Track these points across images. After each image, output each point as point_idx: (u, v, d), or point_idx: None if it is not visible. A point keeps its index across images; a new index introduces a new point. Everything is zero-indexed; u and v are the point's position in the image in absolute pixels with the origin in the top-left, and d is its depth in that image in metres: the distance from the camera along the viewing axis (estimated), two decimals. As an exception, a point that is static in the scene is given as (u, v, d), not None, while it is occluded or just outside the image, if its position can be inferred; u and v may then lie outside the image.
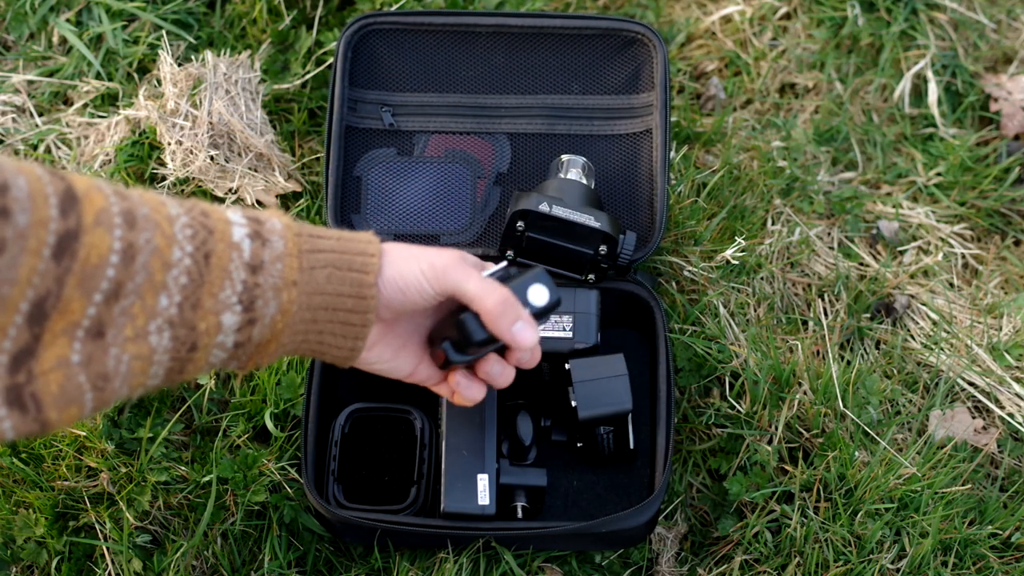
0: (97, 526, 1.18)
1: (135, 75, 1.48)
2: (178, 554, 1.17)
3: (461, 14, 1.35)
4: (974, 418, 1.32)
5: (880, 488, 1.20)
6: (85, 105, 1.46)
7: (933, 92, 1.57)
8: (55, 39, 1.51)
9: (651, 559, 1.23)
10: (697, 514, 1.27)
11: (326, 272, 0.88)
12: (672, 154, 1.45)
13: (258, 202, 1.38)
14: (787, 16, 1.63)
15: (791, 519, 1.20)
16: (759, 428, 1.26)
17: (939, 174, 1.52)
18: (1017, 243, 1.52)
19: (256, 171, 1.39)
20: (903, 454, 1.23)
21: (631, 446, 1.22)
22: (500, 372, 1.02)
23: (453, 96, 1.36)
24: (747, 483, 1.23)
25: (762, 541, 1.21)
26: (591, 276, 1.26)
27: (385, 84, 1.36)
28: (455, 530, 1.13)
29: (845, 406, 1.27)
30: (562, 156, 1.29)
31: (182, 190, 1.39)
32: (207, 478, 1.20)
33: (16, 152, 1.44)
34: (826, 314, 1.40)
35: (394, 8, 1.47)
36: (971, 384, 1.35)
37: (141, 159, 1.40)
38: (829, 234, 1.48)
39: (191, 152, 1.37)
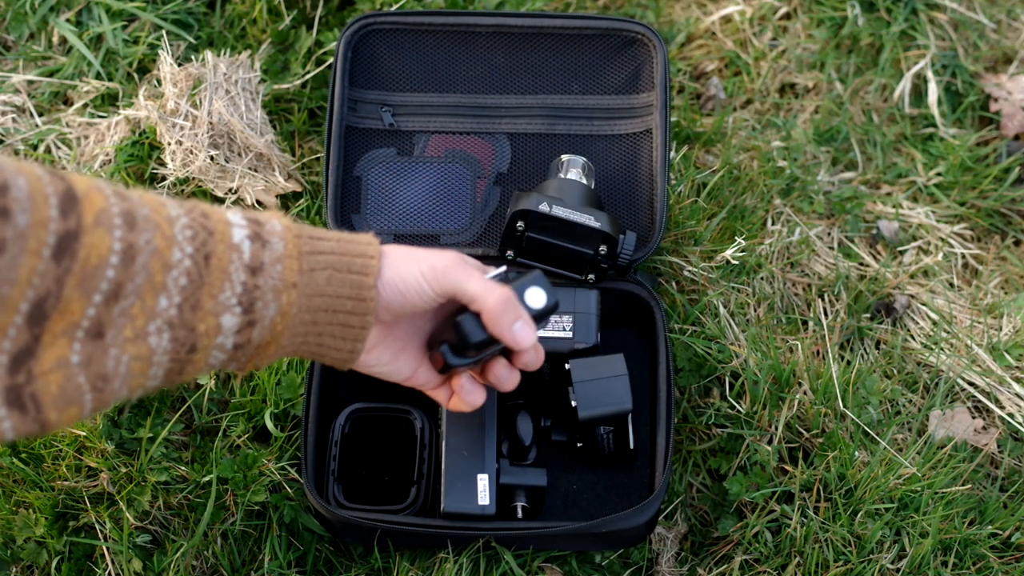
0: (97, 526, 1.18)
1: (135, 75, 1.48)
2: (178, 554, 1.17)
3: (461, 14, 1.35)
4: (974, 418, 1.32)
5: (880, 488, 1.20)
6: (85, 105, 1.46)
7: (933, 92, 1.57)
8: (55, 39, 1.51)
9: (651, 559, 1.23)
10: (697, 514, 1.27)
11: (326, 274, 0.88)
12: (672, 154, 1.45)
13: (258, 202, 1.38)
14: (787, 16, 1.63)
15: (791, 519, 1.20)
16: (759, 428, 1.26)
17: (939, 174, 1.52)
18: (1017, 243, 1.52)
19: (256, 171, 1.39)
20: (903, 454, 1.23)
21: (631, 446, 1.22)
22: (507, 376, 1.03)
23: (453, 96, 1.36)
24: (747, 483, 1.23)
25: (762, 541, 1.21)
26: (591, 276, 1.26)
27: (385, 84, 1.36)
28: (455, 530, 1.13)
29: (845, 406, 1.27)
30: (562, 156, 1.29)
31: (182, 190, 1.39)
32: (207, 478, 1.20)
33: (16, 152, 1.44)
34: (826, 314, 1.40)
35: (394, 8, 1.47)
36: (971, 384, 1.35)
37: (141, 159, 1.41)
38: (829, 234, 1.48)
39: (191, 152, 1.37)
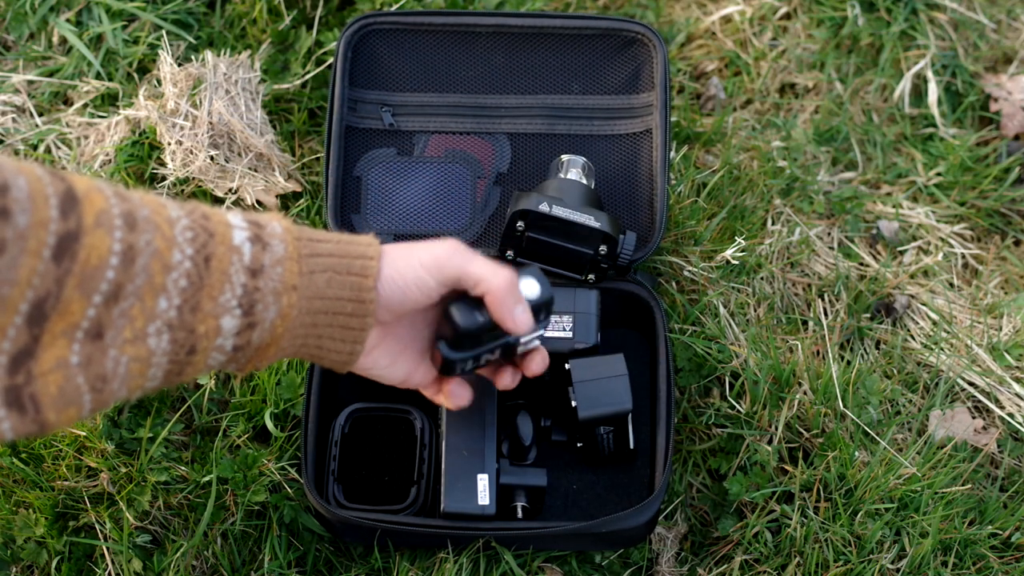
0: (97, 526, 1.18)
1: (135, 75, 1.48)
2: (178, 554, 1.17)
3: (461, 14, 1.35)
4: (974, 418, 1.32)
5: (880, 488, 1.20)
6: (85, 105, 1.46)
7: (933, 92, 1.57)
8: (55, 39, 1.51)
9: (651, 559, 1.23)
10: (697, 514, 1.27)
11: (326, 276, 0.88)
12: (672, 154, 1.45)
13: (258, 202, 1.38)
14: (787, 16, 1.63)
15: (791, 519, 1.20)
16: (759, 428, 1.26)
17: (939, 174, 1.52)
18: (1017, 243, 1.52)
19: (256, 171, 1.39)
20: (903, 454, 1.23)
21: (631, 446, 1.22)
22: (510, 382, 1.06)
23: (453, 96, 1.36)
24: (747, 483, 1.23)
25: (762, 541, 1.21)
26: (591, 276, 1.26)
27: (385, 84, 1.36)
28: (455, 530, 1.13)
29: (845, 406, 1.27)
30: (562, 156, 1.29)
31: (182, 190, 1.39)
32: (207, 478, 1.20)
33: (16, 152, 1.44)
34: (826, 314, 1.40)
35: (394, 8, 1.47)
36: (971, 384, 1.35)
37: (141, 159, 1.40)
38: (829, 234, 1.48)
39: (191, 152, 1.37)
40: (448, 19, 1.35)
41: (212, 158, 1.37)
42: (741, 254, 1.35)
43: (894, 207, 1.50)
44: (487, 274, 0.94)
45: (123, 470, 1.19)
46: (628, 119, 1.35)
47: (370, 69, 1.35)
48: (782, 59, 1.59)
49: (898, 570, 1.19)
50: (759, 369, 1.27)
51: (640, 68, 1.36)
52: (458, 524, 1.13)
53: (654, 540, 1.24)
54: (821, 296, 1.41)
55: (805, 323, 1.39)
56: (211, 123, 1.37)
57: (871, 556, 1.19)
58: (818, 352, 1.34)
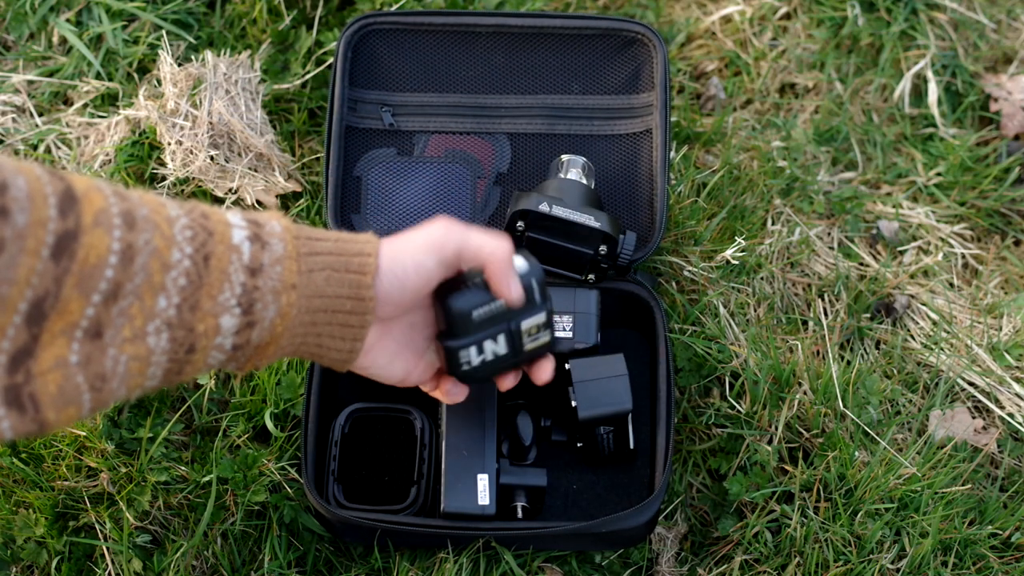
0: (97, 526, 1.18)
1: (135, 75, 1.49)
2: (178, 554, 1.17)
3: (461, 14, 1.35)
4: (974, 418, 1.32)
5: (880, 488, 1.20)
6: (85, 105, 1.46)
7: (933, 92, 1.57)
8: (55, 39, 1.51)
9: (651, 559, 1.23)
10: (697, 514, 1.27)
11: (324, 275, 0.88)
12: (672, 154, 1.45)
13: (258, 202, 1.38)
14: (787, 16, 1.63)
15: (791, 519, 1.20)
16: (759, 428, 1.26)
17: (939, 174, 1.52)
18: (1017, 243, 1.52)
19: (256, 171, 1.39)
20: (903, 454, 1.23)
21: (631, 446, 1.22)
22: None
23: (453, 96, 1.36)
24: (747, 483, 1.23)
25: (762, 541, 1.21)
26: (591, 276, 1.26)
27: (385, 84, 1.36)
28: (455, 530, 1.13)
29: (845, 406, 1.27)
30: (562, 156, 1.29)
31: (182, 190, 1.39)
32: (207, 478, 1.20)
33: (16, 152, 1.44)
34: (826, 314, 1.40)
35: (394, 8, 1.47)
36: (971, 384, 1.35)
37: (141, 159, 1.41)
38: (829, 234, 1.47)
39: (191, 152, 1.37)
40: (448, 19, 1.35)
41: (212, 158, 1.37)
42: (741, 254, 1.35)
43: (894, 207, 1.50)
44: (487, 242, 0.96)
45: (123, 470, 1.19)
46: (628, 119, 1.35)
47: (370, 69, 1.35)
48: (782, 59, 1.59)
49: (898, 570, 1.19)
50: (759, 369, 1.27)
51: (640, 68, 1.36)
52: (458, 524, 1.13)
53: (654, 540, 1.24)
54: (821, 296, 1.41)
55: (805, 323, 1.39)
56: (211, 123, 1.37)
57: (871, 556, 1.19)
58: (818, 352, 1.34)
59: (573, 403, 1.17)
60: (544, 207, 1.20)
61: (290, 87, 1.47)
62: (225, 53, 1.45)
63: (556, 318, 1.21)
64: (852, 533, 1.20)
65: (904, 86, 1.58)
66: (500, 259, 0.95)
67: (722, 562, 1.23)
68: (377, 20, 1.34)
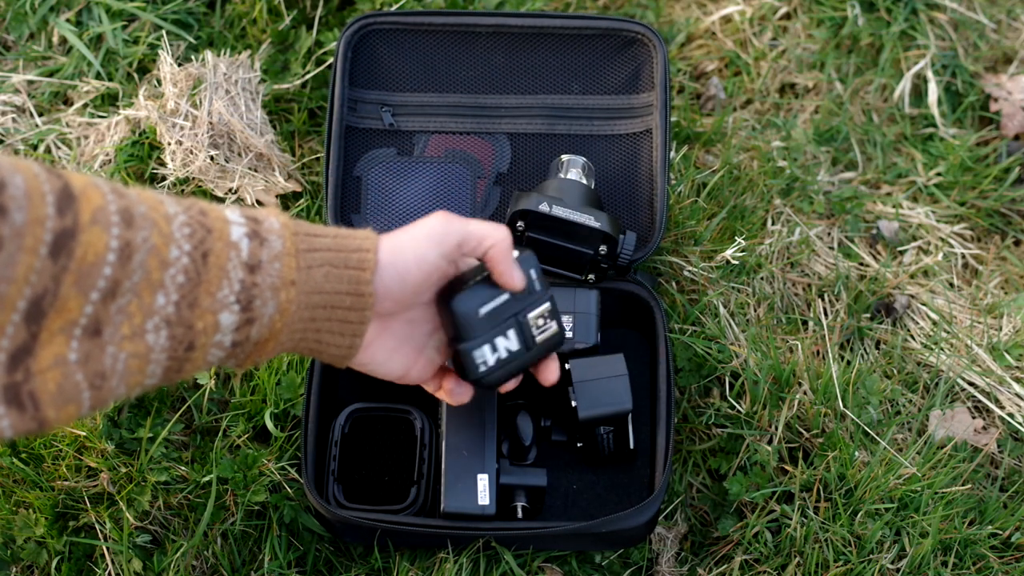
0: (97, 526, 1.18)
1: (135, 75, 1.49)
2: (178, 554, 1.17)
3: (461, 14, 1.35)
4: (974, 418, 1.32)
5: (880, 488, 1.20)
6: (85, 105, 1.47)
7: (933, 92, 1.57)
8: (55, 39, 1.51)
9: (651, 559, 1.23)
10: (697, 514, 1.27)
11: (323, 271, 0.88)
12: (672, 154, 1.45)
13: (258, 202, 1.38)
14: (787, 16, 1.63)
15: (791, 519, 1.20)
16: (759, 428, 1.26)
17: (939, 174, 1.52)
18: (1017, 243, 1.52)
19: (256, 171, 1.39)
20: (903, 454, 1.23)
21: (631, 446, 1.21)
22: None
23: (453, 96, 1.36)
24: (747, 483, 1.23)
25: (762, 541, 1.21)
26: (591, 276, 1.26)
27: (385, 84, 1.36)
28: (455, 530, 1.13)
29: (845, 406, 1.26)
30: (562, 156, 1.29)
31: (182, 190, 1.39)
32: (207, 478, 1.19)
33: (16, 152, 1.44)
34: (826, 314, 1.40)
35: (394, 8, 1.47)
36: (971, 384, 1.35)
37: (141, 159, 1.41)
38: (829, 234, 1.47)
39: (191, 152, 1.37)
40: (448, 19, 1.35)
41: (212, 158, 1.37)
42: (741, 254, 1.35)
43: (894, 207, 1.50)
44: (488, 230, 0.97)
45: (123, 470, 1.19)
46: (628, 119, 1.35)
47: (370, 69, 1.35)
48: (782, 59, 1.59)
49: (898, 570, 1.19)
50: (759, 369, 1.27)
51: (640, 68, 1.36)
52: (458, 524, 1.13)
53: (654, 540, 1.24)
54: (821, 296, 1.41)
55: (805, 323, 1.39)
56: (211, 123, 1.37)
57: (871, 556, 1.19)
58: (818, 352, 1.34)
59: (573, 403, 1.17)
60: (544, 207, 1.20)
61: (290, 87, 1.47)
62: (225, 53, 1.45)
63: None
64: (852, 533, 1.20)
65: (904, 86, 1.58)
66: (501, 245, 0.97)
67: (722, 562, 1.23)
68: (377, 20, 1.34)
